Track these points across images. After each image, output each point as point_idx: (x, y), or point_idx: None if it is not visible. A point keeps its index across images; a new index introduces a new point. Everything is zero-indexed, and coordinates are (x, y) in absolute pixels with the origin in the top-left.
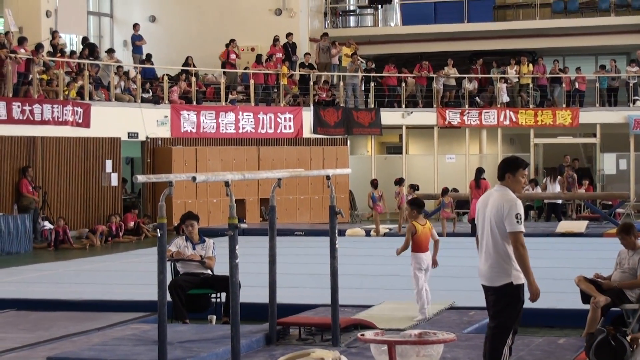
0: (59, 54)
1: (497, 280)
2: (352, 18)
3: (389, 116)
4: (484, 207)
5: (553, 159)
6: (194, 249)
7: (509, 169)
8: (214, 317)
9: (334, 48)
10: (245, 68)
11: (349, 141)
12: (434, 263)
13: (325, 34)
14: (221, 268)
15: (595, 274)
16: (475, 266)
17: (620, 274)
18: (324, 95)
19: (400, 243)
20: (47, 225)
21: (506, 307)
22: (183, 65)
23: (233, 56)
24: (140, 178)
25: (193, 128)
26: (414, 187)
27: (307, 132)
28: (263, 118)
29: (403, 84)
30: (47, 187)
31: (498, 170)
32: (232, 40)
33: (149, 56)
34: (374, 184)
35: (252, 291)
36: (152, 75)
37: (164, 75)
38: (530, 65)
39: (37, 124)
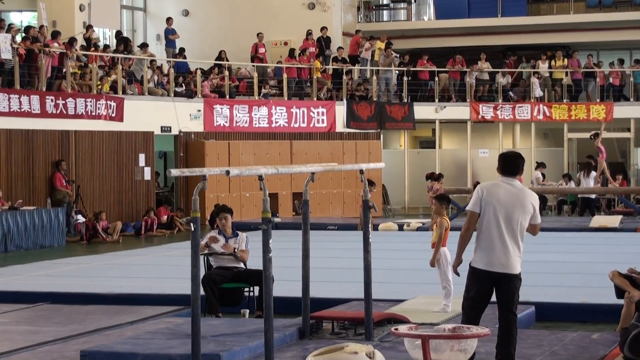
0: (93, 48)
1: (517, 267)
2: (385, 12)
3: (422, 110)
4: (507, 199)
5: (586, 154)
6: (226, 242)
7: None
8: (247, 311)
9: (367, 42)
10: (278, 62)
11: (382, 135)
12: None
13: (389, 43)
14: (254, 262)
15: (629, 268)
16: None
17: None
18: (359, 90)
19: (428, 237)
20: (80, 218)
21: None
22: (216, 60)
23: (262, 50)
24: (174, 172)
25: (226, 122)
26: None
27: (340, 127)
28: (296, 112)
29: (436, 79)
30: (80, 180)
31: (512, 164)
32: (259, 34)
33: (182, 50)
34: (434, 176)
35: (286, 285)
36: (185, 70)
37: (197, 69)
38: (565, 59)
39: (71, 118)
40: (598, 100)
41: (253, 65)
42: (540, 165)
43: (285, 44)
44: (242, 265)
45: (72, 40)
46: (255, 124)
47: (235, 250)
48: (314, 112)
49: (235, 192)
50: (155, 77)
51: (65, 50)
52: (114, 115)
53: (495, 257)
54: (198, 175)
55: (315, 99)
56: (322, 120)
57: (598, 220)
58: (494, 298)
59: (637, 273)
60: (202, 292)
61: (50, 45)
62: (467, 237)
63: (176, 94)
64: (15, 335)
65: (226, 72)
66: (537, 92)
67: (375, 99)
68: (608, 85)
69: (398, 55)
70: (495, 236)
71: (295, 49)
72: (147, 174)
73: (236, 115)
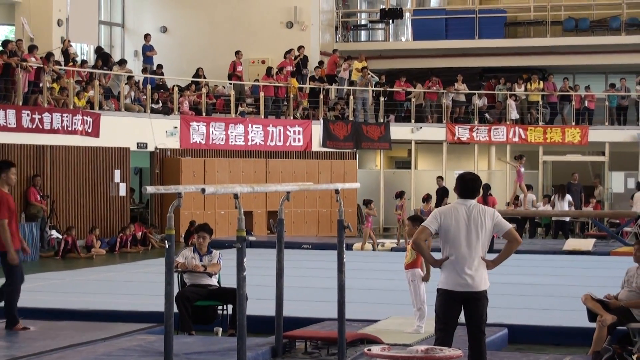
0: (71, 63)
1: (484, 284)
2: (363, 32)
3: (399, 131)
4: (464, 220)
5: (561, 177)
6: (200, 260)
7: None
8: (220, 329)
9: (345, 62)
10: (255, 80)
11: (357, 155)
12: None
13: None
14: (228, 280)
15: (606, 295)
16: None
17: (627, 292)
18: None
19: (402, 257)
20: (55, 234)
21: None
22: (193, 77)
23: (239, 68)
24: (150, 189)
25: (202, 139)
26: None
27: (316, 146)
28: (272, 131)
29: (413, 99)
30: (55, 196)
31: (470, 187)
32: (238, 52)
33: (159, 67)
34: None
35: (259, 304)
36: (154, 85)
37: (174, 86)
38: (541, 82)
39: (47, 133)
40: (573, 123)
41: (230, 83)
42: (529, 188)
43: (263, 62)
44: (215, 283)
45: (49, 55)
46: (232, 141)
47: (205, 266)
48: (290, 131)
49: (210, 210)
50: (133, 94)
51: (42, 65)
52: (90, 130)
53: (461, 278)
54: (173, 193)
55: (291, 117)
56: (299, 139)
57: (571, 243)
58: (462, 319)
59: (614, 298)
60: (175, 309)
61: (27, 60)
62: (420, 243)
63: (153, 111)
64: None
65: (204, 90)
66: (513, 114)
67: (351, 119)
68: (583, 108)
69: (375, 76)
70: (458, 258)
71: (272, 67)
72: (123, 190)
73: (212, 133)
